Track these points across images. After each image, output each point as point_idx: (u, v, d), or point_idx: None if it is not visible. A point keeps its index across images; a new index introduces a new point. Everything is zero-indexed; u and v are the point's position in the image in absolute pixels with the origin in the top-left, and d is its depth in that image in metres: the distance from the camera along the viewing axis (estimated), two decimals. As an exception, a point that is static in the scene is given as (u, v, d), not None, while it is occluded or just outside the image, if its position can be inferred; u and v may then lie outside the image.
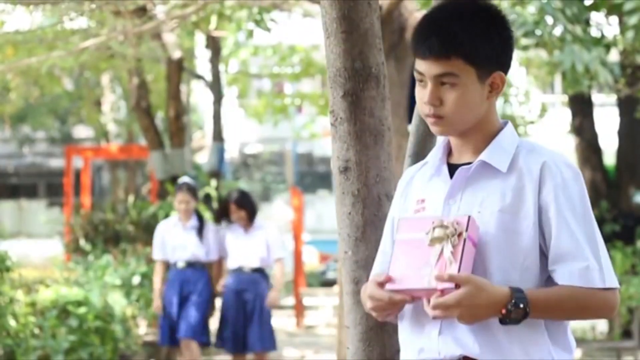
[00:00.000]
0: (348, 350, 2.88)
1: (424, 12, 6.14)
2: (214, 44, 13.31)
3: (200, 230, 8.65)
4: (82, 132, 26.24)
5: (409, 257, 2.35)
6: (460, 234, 2.29)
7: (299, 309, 16.34)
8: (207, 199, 12.38)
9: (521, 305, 2.25)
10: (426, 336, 2.38)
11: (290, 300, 16.97)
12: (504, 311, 2.26)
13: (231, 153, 26.50)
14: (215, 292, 8.95)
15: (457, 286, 2.25)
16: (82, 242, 11.54)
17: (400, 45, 5.98)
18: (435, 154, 2.51)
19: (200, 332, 8.61)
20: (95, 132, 22.78)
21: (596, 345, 10.43)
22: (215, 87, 13.37)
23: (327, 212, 26.59)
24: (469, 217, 2.30)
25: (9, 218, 25.52)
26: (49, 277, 9.58)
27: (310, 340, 14.24)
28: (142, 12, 9.19)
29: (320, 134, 22.56)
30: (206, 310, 8.75)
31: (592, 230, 2.35)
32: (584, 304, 2.32)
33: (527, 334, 2.32)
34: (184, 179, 9.36)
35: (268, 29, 9.00)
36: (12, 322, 7.53)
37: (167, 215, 11.48)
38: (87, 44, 7.48)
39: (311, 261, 22.74)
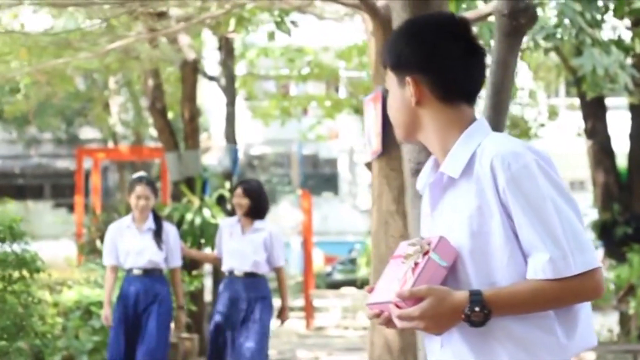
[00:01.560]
0: (420, 352, 2.93)
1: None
2: (227, 46, 13.34)
3: (157, 233, 7.60)
4: (88, 133, 26.27)
5: (389, 273, 2.43)
6: (426, 252, 2.34)
7: (309, 311, 16.39)
8: (221, 200, 12.43)
9: (477, 309, 2.28)
10: (433, 350, 2.46)
11: (299, 302, 17.00)
12: (462, 316, 2.29)
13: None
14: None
15: (419, 299, 2.28)
16: (98, 243, 11.55)
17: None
18: (425, 168, 2.58)
19: (162, 355, 7.53)
20: (102, 134, 22.81)
21: (612, 348, 10.47)
22: (229, 89, 13.41)
23: (332, 214, 26.65)
24: (440, 237, 2.36)
25: (17, 219, 25.45)
26: (69, 278, 9.61)
27: (322, 342, 14.28)
28: (159, 14, 9.24)
29: (326, 136, 22.62)
30: (169, 327, 7.73)
31: (552, 216, 2.31)
32: (555, 295, 2.30)
33: (529, 332, 2.33)
34: (141, 174, 8.37)
35: (288, 32, 9.02)
36: (39, 323, 7.56)
37: (182, 217, 11.54)
38: (113, 46, 7.51)
39: (317, 263, 22.83)
